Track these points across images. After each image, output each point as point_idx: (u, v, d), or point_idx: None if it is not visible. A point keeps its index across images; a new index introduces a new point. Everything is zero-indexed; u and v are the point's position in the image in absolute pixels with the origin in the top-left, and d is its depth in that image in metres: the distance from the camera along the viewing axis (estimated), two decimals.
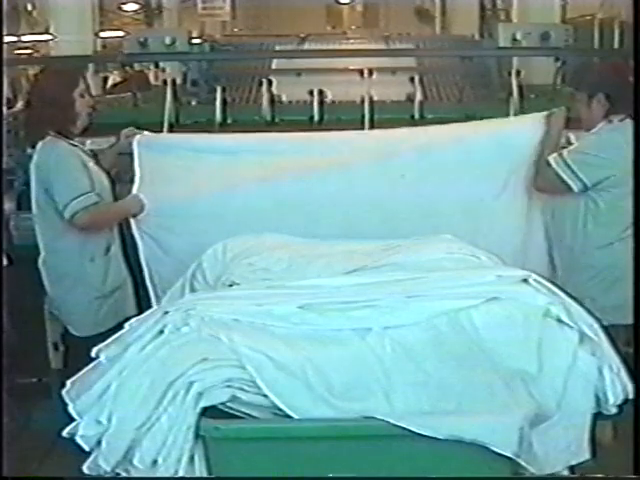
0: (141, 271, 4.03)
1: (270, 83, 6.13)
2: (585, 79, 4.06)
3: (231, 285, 3.19)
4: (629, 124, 3.91)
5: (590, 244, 3.95)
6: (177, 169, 4.04)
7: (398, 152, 4.09)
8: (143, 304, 3.92)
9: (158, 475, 2.52)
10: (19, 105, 8.41)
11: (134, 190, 3.97)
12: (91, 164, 3.93)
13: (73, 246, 3.91)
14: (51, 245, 3.95)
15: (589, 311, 2.80)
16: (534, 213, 4.11)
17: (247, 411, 2.57)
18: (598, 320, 2.79)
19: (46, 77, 4.05)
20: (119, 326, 2.92)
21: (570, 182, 3.89)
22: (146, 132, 4.16)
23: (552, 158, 3.93)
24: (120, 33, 10.55)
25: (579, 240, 3.97)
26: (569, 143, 4.26)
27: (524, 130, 4.11)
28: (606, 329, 2.80)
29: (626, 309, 3.63)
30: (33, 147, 3.94)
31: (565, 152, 3.95)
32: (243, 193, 4.02)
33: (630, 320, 3.59)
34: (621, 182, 3.85)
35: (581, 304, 2.82)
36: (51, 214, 3.89)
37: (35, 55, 14.65)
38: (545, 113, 4.08)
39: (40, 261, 3.97)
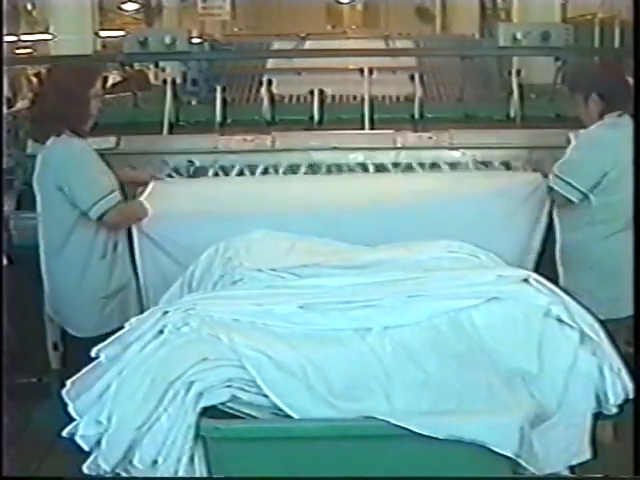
0: None
1: (270, 83, 6.12)
2: (580, 80, 4.10)
3: (232, 284, 3.19)
4: (625, 119, 3.91)
5: (586, 238, 3.95)
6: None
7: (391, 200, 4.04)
8: (146, 307, 3.89)
9: (158, 475, 2.51)
10: (24, 100, 8.40)
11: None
12: (104, 164, 3.91)
13: (81, 244, 3.87)
14: (57, 243, 3.88)
15: (589, 310, 2.80)
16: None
17: (247, 411, 2.57)
18: (597, 317, 2.79)
19: (65, 73, 3.96)
20: (121, 328, 2.91)
21: (568, 195, 3.88)
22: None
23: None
24: (120, 33, 10.53)
25: (575, 234, 3.97)
26: (568, 142, 4.26)
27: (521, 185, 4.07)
28: (602, 323, 2.81)
29: (621, 302, 3.68)
30: (36, 141, 3.88)
31: (555, 166, 3.94)
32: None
33: (624, 313, 3.62)
34: (617, 178, 3.84)
35: (579, 301, 2.82)
36: (62, 212, 3.83)
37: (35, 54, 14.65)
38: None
39: (42, 260, 3.92)
